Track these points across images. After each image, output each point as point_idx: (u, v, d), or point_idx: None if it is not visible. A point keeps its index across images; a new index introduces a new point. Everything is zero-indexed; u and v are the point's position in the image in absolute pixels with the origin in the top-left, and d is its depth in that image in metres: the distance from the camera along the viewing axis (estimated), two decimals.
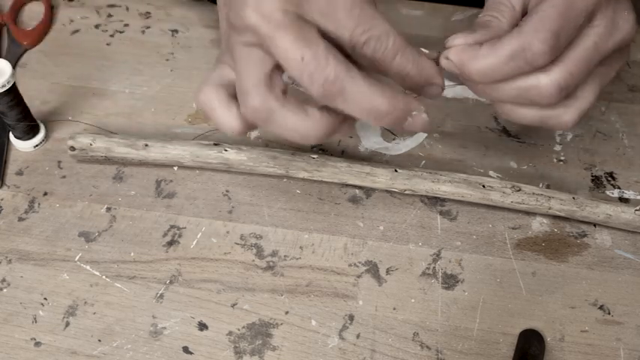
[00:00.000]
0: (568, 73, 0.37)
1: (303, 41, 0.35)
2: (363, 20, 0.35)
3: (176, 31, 0.61)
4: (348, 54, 0.36)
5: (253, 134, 0.53)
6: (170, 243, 0.48)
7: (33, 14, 0.62)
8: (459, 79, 0.40)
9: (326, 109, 0.37)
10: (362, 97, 0.35)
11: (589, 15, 0.37)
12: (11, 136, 0.52)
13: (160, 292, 0.46)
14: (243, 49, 0.38)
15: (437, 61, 0.39)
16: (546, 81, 0.37)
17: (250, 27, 0.36)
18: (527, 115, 0.40)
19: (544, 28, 0.36)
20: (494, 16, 0.40)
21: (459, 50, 0.38)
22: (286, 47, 0.35)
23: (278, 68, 0.37)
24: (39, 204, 0.50)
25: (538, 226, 0.50)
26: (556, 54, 0.37)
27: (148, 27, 0.61)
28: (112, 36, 0.60)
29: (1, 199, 0.50)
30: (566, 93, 0.38)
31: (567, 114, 0.39)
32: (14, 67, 0.57)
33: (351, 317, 0.45)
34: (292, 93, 0.37)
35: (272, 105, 0.37)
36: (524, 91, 0.38)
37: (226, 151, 0.49)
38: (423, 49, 0.38)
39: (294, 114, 0.37)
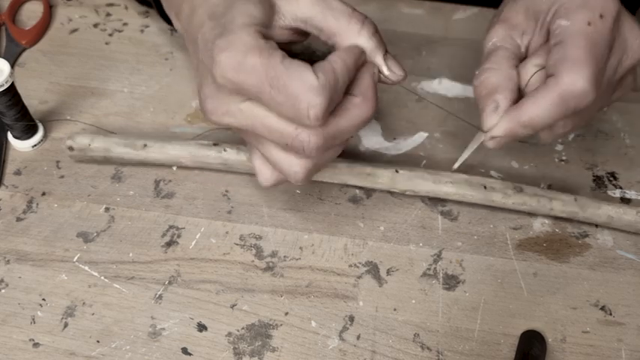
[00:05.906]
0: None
1: None
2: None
3: (175, 29, 0.60)
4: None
5: None
6: (169, 243, 0.48)
7: (31, 13, 0.62)
8: None
9: None
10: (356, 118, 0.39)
11: (609, 45, 0.38)
12: (9, 136, 0.52)
13: (159, 292, 0.46)
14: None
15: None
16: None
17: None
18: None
19: (580, 73, 0.36)
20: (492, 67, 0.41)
21: (503, 125, 0.40)
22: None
23: None
24: (37, 204, 0.49)
25: (539, 226, 0.49)
26: (599, 88, 0.37)
27: (147, 26, 0.61)
28: (110, 35, 0.60)
29: (0, 199, 0.50)
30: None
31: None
32: (12, 66, 0.57)
33: (352, 318, 0.45)
34: None
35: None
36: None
37: (225, 151, 0.49)
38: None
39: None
